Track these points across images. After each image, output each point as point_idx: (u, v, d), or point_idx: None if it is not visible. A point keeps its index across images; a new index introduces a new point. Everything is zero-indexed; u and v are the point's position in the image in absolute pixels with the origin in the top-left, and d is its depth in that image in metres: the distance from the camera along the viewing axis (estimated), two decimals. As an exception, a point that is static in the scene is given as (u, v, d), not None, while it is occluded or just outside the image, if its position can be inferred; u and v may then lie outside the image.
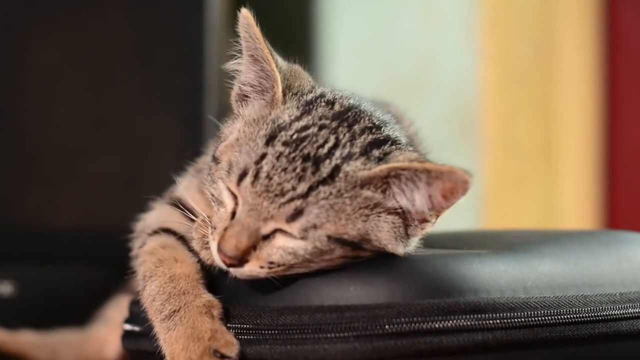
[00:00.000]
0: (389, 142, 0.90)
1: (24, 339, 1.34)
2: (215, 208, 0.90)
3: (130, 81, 1.61)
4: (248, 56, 0.93)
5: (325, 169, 0.85)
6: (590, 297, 0.92)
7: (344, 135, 0.88)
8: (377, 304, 0.84)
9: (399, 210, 0.87)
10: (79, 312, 1.34)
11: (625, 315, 0.93)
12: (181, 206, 0.99)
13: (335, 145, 0.87)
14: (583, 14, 2.37)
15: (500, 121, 2.26)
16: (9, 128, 1.59)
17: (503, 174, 2.27)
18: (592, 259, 0.97)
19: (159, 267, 0.93)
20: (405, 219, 0.88)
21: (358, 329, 0.84)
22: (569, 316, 0.89)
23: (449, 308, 0.85)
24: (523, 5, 2.31)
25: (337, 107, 0.92)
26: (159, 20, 1.62)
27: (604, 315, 0.91)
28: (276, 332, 0.86)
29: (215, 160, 0.91)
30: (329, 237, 0.85)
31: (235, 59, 0.94)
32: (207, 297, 0.90)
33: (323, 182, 0.85)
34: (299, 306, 0.86)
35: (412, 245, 0.90)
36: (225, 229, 0.86)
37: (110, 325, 1.29)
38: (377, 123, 0.92)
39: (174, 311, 0.89)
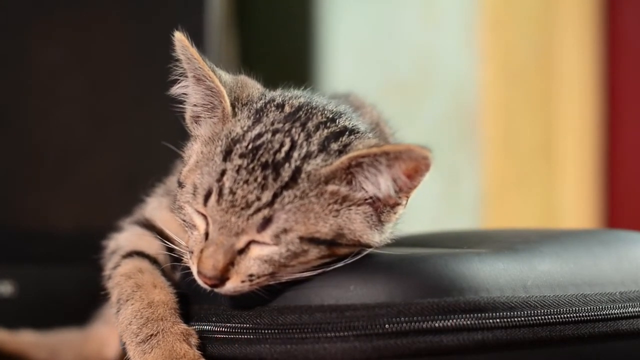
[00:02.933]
0: (347, 133, 0.90)
1: (24, 339, 1.34)
2: (189, 233, 0.90)
3: (130, 81, 1.61)
4: (191, 77, 0.93)
5: (286, 173, 0.85)
6: (590, 296, 0.92)
7: (299, 135, 0.88)
8: (377, 303, 0.85)
9: (369, 200, 0.88)
10: (79, 312, 1.34)
11: (625, 315, 0.93)
12: (152, 227, 0.99)
13: (292, 147, 0.87)
14: (583, 14, 2.37)
15: (500, 121, 2.26)
16: (9, 128, 1.59)
17: (503, 174, 2.27)
18: (592, 258, 0.97)
19: (136, 291, 0.93)
20: (377, 207, 0.88)
21: (358, 328, 0.84)
22: (568, 315, 0.89)
23: (449, 307, 0.85)
24: (523, 5, 2.31)
25: (287, 108, 0.91)
26: (159, 20, 1.62)
27: (603, 314, 0.91)
28: (276, 331, 0.86)
29: (180, 185, 0.91)
30: (301, 239, 0.85)
31: (179, 82, 0.94)
32: (185, 326, 0.90)
33: (286, 186, 0.85)
34: (299, 305, 0.86)
35: (388, 232, 0.91)
36: (202, 251, 0.86)
37: (110, 325, 1.28)
38: (330, 116, 0.91)
39: (151, 335, 0.89)
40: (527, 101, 2.30)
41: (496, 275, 0.89)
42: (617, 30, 2.42)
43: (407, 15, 2.29)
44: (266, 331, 0.87)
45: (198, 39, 1.61)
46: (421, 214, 2.26)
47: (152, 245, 0.99)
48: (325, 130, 0.89)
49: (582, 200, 2.37)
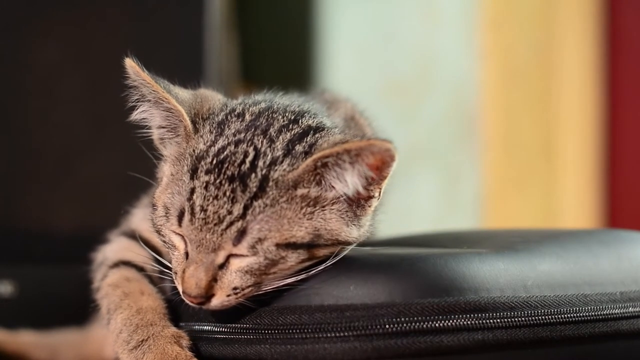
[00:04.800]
0: (311, 132, 0.89)
1: (24, 339, 1.34)
2: (171, 253, 0.90)
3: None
4: (148, 101, 0.92)
5: (253, 183, 0.85)
6: (590, 296, 0.92)
7: (261, 142, 0.87)
8: (377, 303, 0.84)
9: (341, 197, 0.87)
10: (79, 312, 1.34)
11: (626, 314, 0.93)
12: (138, 238, 0.99)
13: (256, 156, 0.86)
14: (583, 14, 2.37)
15: (501, 121, 2.26)
16: (9, 128, 1.59)
17: (503, 174, 2.27)
18: (592, 257, 0.97)
19: (124, 300, 0.93)
20: (350, 203, 0.88)
21: (358, 329, 0.84)
22: (569, 315, 0.89)
23: (449, 307, 0.85)
24: (523, 5, 2.31)
25: (247, 117, 0.90)
26: (159, 20, 1.62)
27: (604, 314, 0.91)
28: (276, 331, 0.86)
29: (153, 207, 0.91)
30: (278, 245, 0.85)
31: (138, 108, 0.93)
32: (175, 329, 0.91)
33: (255, 197, 0.84)
34: (299, 306, 0.86)
35: (367, 225, 0.90)
36: (184, 271, 0.86)
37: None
38: (292, 117, 0.91)
39: (142, 341, 0.89)
40: (527, 101, 2.30)
41: (496, 275, 0.89)
42: (617, 29, 2.42)
43: (407, 15, 2.29)
44: (266, 331, 0.87)
45: (198, 39, 1.62)
46: (421, 214, 2.27)
47: (139, 254, 0.99)
48: (288, 133, 0.88)
49: (582, 200, 2.37)
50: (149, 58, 1.62)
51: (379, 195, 0.88)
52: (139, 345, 0.89)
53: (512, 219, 2.23)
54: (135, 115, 0.94)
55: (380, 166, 0.85)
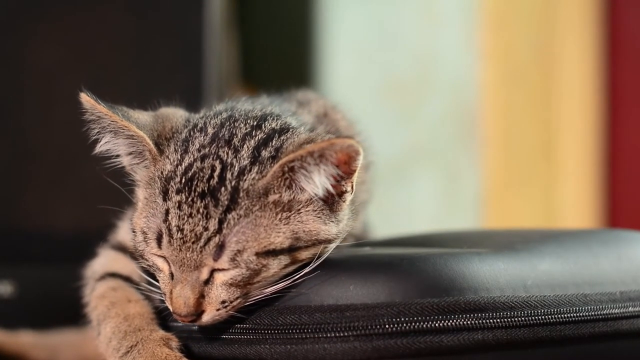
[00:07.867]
0: (276, 135, 0.89)
1: (24, 339, 1.34)
2: (157, 276, 0.90)
3: (130, 81, 1.61)
4: (110, 132, 0.92)
5: (224, 197, 0.85)
6: (590, 296, 0.92)
7: (227, 154, 0.87)
8: (377, 303, 0.84)
9: (314, 198, 0.87)
10: (79, 312, 1.34)
11: (626, 314, 0.93)
12: (126, 250, 0.99)
13: (223, 169, 0.86)
14: (583, 14, 2.37)
15: (500, 121, 2.26)
16: (9, 128, 1.59)
17: (503, 174, 2.27)
18: (592, 257, 0.97)
19: (111, 309, 0.94)
20: (325, 201, 0.87)
21: (358, 329, 0.84)
22: (569, 315, 0.89)
23: (449, 307, 0.85)
24: (523, 5, 2.31)
25: (210, 130, 0.90)
26: (159, 20, 1.62)
27: (604, 314, 0.91)
28: (276, 331, 0.86)
29: (133, 232, 0.91)
30: (258, 254, 0.84)
31: (101, 141, 0.93)
32: (163, 332, 0.91)
33: (228, 209, 0.84)
34: (299, 306, 0.86)
35: (345, 219, 0.90)
36: (171, 292, 0.86)
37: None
38: (255, 123, 0.90)
39: (132, 346, 0.89)
40: (527, 101, 2.30)
41: (496, 275, 0.89)
42: (618, 29, 2.42)
43: (407, 15, 2.29)
44: (266, 331, 0.87)
45: (198, 39, 1.62)
46: (421, 214, 2.27)
47: (126, 266, 0.99)
48: (252, 140, 0.88)
49: (582, 200, 2.37)
50: (148, 58, 1.63)
51: (352, 188, 0.88)
52: (129, 351, 0.89)
53: (512, 219, 2.23)
54: (100, 148, 0.93)
55: (347, 161, 0.85)
